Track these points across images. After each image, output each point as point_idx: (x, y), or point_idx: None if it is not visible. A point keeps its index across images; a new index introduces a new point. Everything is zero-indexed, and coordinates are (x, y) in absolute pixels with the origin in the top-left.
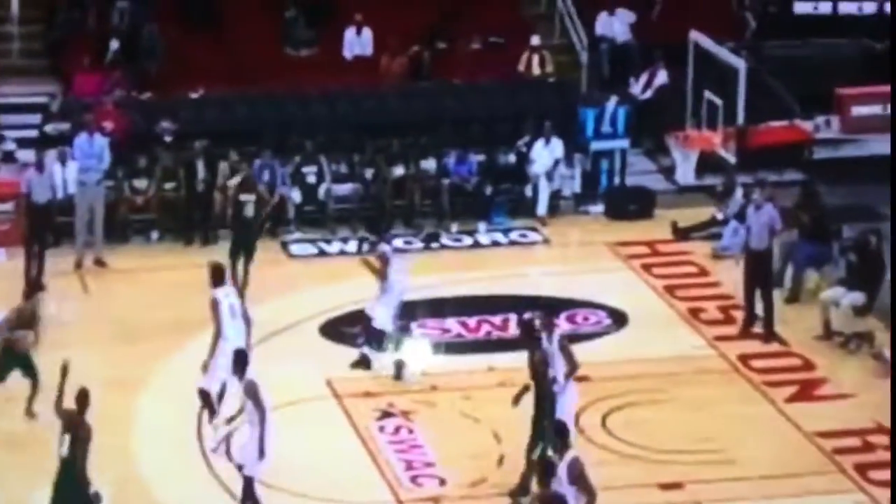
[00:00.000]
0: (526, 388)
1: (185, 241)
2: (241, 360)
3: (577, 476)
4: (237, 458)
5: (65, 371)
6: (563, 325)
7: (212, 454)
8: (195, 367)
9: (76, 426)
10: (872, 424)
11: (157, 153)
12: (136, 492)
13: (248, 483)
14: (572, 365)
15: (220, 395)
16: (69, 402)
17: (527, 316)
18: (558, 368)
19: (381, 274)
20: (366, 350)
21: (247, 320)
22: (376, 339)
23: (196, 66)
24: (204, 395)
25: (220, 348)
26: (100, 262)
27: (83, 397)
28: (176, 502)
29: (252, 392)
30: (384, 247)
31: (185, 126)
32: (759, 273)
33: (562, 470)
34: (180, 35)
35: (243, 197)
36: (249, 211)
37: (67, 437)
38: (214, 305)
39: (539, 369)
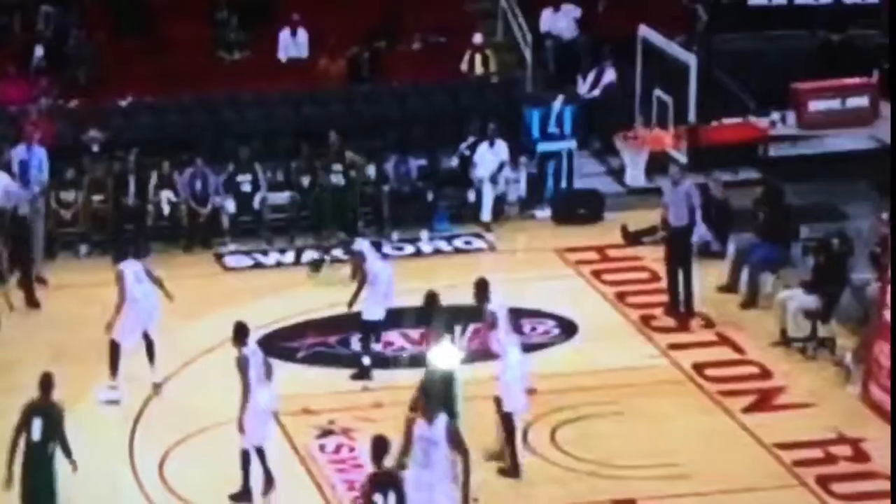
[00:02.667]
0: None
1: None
2: (238, 332)
3: (454, 436)
4: None
5: None
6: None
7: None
8: (130, 390)
9: (47, 408)
10: (834, 435)
11: (84, 164)
12: None
13: (259, 456)
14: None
15: (150, 351)
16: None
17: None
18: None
19: (362, 271)
20: (366, 361)
21: (155, 280)
22: (369, 333)
23: (125, 72)
24: (114, 345)
25: (130, 309)
26: (40, 280)
27: (47, 380)
28: None
29: (239, 366)
30: (357, 244)
31: (115, 135)
32: (679, 250)
33: (440, 432)
34: (108, 40)
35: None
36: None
37: (38, 421)
38: (119, 276)
39: None
